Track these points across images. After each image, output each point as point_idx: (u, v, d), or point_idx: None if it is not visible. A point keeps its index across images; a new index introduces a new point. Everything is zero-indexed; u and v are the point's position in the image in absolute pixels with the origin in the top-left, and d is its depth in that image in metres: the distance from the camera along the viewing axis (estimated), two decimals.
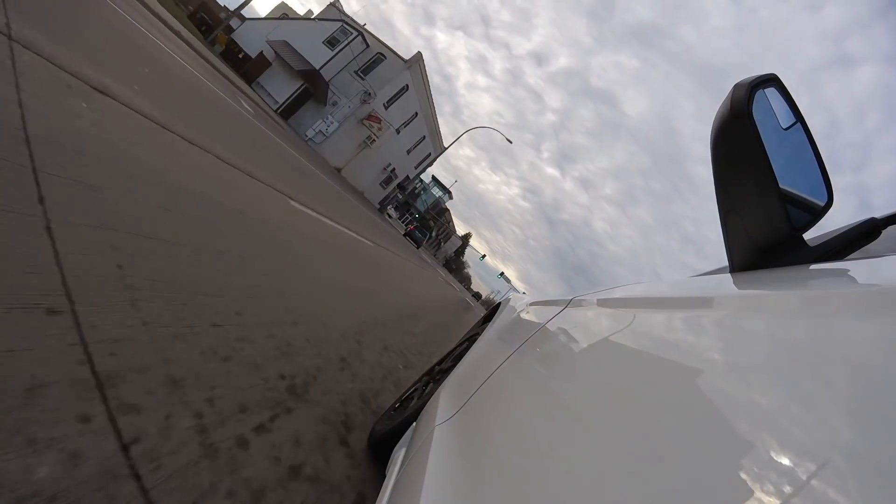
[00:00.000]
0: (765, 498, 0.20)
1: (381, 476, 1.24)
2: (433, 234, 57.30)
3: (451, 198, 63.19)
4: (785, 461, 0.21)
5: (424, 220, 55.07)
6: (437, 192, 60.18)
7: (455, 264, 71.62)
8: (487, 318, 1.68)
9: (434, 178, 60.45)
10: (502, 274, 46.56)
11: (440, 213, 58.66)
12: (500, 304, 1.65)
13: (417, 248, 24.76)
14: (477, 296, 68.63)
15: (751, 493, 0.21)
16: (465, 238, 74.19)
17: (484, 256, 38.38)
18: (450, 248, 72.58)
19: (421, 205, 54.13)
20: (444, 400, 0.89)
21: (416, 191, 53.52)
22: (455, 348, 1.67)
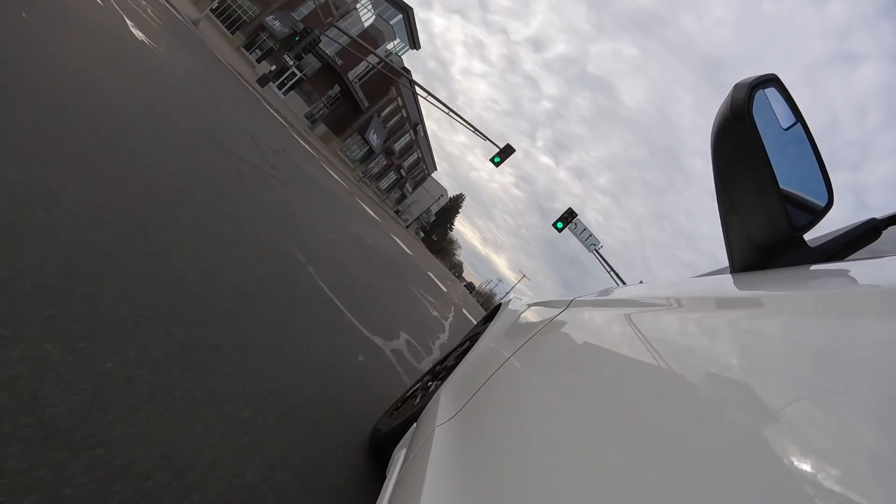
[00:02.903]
0: (764, 497, 0.20)
1: (381, 476, 1.24)
2: (371, 135, 24.74)
3: (416, 47, 28.60)
4: (787, 460, 0.21)
5: (345, 92, 21.63)
6: (372, 14, 22.90)
7: (439, 236, 46.81)
8: (488, 319, 1.68)
9: None
10: (570, 214, 15.80)
11: (387, 81, 22.64)
12: (500, 304, 1.65)
13: None
14: (470, 287, 52.76)
15: (751, 492, 0.21)
16: (456, 201, 49.70)
17: (502, 155, 14.86)
18: (423, 200, 42.51)
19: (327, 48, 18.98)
20: (445, 400, 0.89)
21: None
22: (456, 348, 1.67)
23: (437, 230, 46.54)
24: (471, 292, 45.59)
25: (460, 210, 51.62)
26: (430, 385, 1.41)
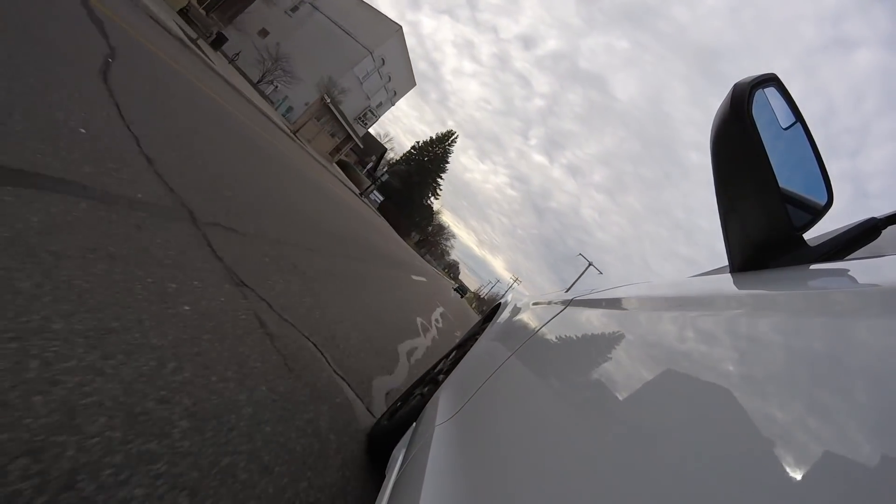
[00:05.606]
0: (764, 497, 0.20)
1: (381, 476, 1.24)
2: None
3: None
4: (786, 460, 0.21)
5: None
6: None
7: (410, 192, 28.64)
8: (487, 319, 1.68)
9: None
10: None
11: None
12: (499, 304, 1.65)
13: None
14: (461, 290, 44.71)
15: (750, 492, 0.21)
16: (444, 141, 32.54)
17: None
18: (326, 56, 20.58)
19: None
20: (444, 400, 0.89)
21: None
22: (455, 348, 1.67)
23: (401, 178, 23.48)
24: (462, 296, 38.64)
25: (450, 158, 32.79)
26: (429, 385, 1.41)
